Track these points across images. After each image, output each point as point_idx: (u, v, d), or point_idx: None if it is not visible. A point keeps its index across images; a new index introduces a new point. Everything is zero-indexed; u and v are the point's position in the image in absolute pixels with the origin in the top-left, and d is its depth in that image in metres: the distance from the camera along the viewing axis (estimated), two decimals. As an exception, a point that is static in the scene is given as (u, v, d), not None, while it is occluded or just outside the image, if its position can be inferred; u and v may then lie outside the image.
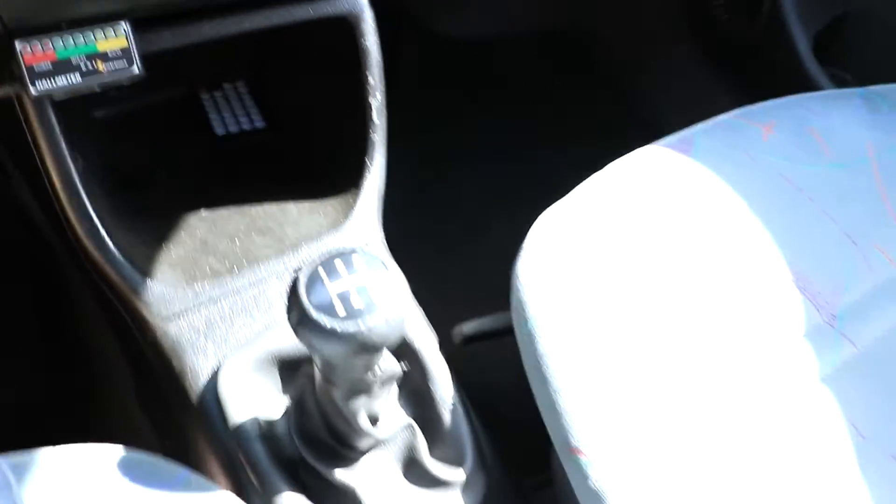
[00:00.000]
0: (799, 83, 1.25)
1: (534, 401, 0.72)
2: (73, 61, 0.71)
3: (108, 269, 0.79)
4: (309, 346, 0.59)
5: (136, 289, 0.79)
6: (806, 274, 0.74)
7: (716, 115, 0.86)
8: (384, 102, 0.92)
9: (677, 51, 1.51)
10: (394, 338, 0.60)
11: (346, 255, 0.61)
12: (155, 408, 0.94)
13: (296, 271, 0.60)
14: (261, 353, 0.76)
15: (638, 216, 0.76)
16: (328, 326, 0.57)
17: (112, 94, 1.01)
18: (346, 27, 0.90)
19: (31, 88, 0.69)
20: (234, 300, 0.81)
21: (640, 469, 0.65)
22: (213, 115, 1.07)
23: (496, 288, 0.97)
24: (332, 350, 0.59)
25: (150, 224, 0.88)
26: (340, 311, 0.58)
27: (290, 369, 0.77)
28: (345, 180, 0.93)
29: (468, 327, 1.12)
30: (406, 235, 0.97)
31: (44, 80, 0.70)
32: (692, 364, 0.69)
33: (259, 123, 1.07)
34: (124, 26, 0.74)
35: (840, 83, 1.28)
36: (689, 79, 1.50)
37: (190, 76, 1.09)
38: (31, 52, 0.69)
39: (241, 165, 1.03)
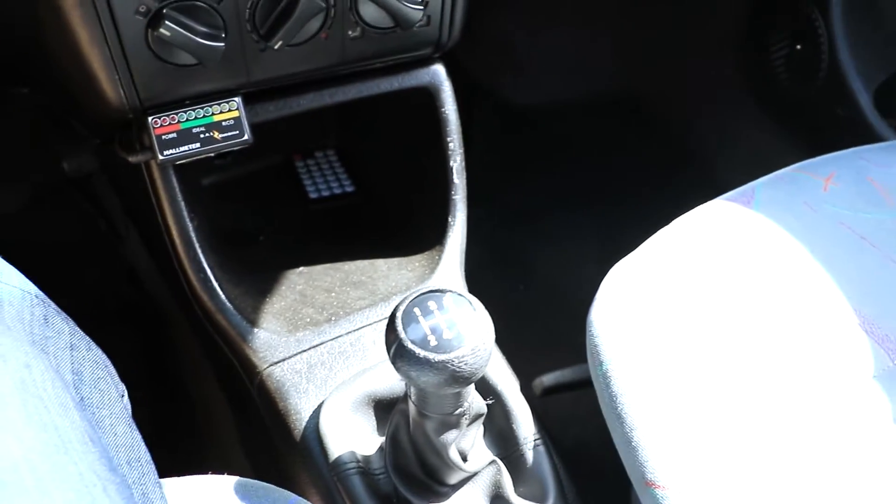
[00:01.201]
0: (861, 136, 1.26)
1: (609, 447, 0.75)
2: (194, 131, 0.81)
3: (219, 317, 0.86)
4: (406, 376, 0.65)
5: (245, 336, 0.86)
6: (872, 318, 0.76)
7: (776, 170, 0.88)
8: (463, 165, 0.99)
9: (736, 108, 1.53)
10: (481, 369, 0.65)
11: (437, 295, 0.66)
12: (256, 447, 1.00)
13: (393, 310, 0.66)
14: (358, 394, 0.82)
15: (703, 266, 0.80)
16: (422, 356, 0.63)
17: (217, 163, 1.11)
18: (427, 97, 0.97)
19: (160, 155, 0.79)
20: (332, 346, 0.87)
21: (714, 501, 0.67)
22: (306, 181, 1.16)
23: (569, 342, 1.01)
24: (426, 379, 0.63)
25: (254, 278, 0.95)
26: (433, 343, 0.63)
27: (384, 409, 0.83)
28: (429, 237, 0.99)
29: (548, 379, 1.17)
30: (478, 292, 1.02)
31: (170, 148, 0.79)
32: (760, 401, 0.72)
33: (349, 187, 1.16)
34: (237, 100, 0.83)
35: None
36: (748, 135, 1.52)
37: (285, 146, 1.18)
38: (159, 124, 0.79)
39: (334, 225, 1.11)
